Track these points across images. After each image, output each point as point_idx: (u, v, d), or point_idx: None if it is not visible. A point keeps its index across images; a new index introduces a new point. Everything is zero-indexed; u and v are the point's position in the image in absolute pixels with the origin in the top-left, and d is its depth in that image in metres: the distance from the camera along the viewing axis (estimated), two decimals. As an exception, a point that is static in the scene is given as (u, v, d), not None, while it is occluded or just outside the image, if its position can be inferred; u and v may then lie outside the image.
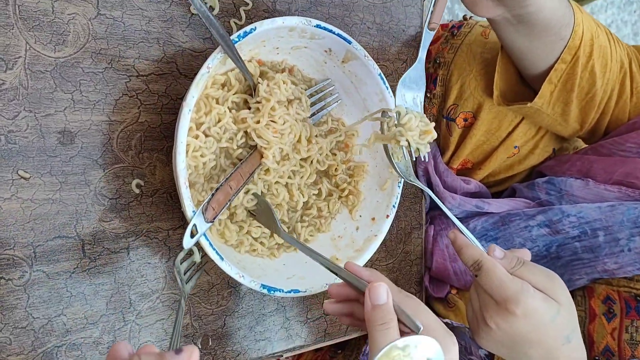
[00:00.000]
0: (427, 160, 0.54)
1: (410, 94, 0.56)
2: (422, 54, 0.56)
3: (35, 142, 0.47)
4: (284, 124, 0.54)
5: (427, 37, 0.56)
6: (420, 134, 0.54)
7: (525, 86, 0.71)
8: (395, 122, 0.54)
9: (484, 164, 0.77)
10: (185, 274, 0.49)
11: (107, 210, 0.51)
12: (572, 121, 0.70)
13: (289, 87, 0.55)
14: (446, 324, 0.70)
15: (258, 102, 0.53)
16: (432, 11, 0.55)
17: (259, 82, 0.53)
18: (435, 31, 0.56)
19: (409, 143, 0.53)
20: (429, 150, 0.55)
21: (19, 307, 0.46)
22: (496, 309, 0.49)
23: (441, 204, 0.58)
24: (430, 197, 0.61)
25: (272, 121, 0.54)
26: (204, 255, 0.49)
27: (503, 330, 0.49)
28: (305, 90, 0.59)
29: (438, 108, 0.78)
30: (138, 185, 0.52)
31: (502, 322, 0.49)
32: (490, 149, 0.76)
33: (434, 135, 0.54)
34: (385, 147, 0.57)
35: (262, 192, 0.55)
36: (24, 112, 0.46)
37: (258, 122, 0.53)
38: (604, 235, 0.66)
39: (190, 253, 0.49)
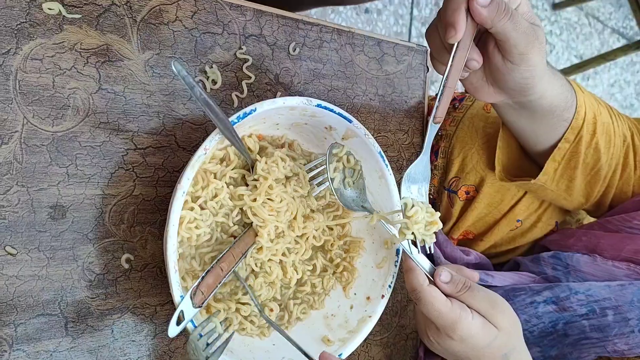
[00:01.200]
0: (432, 251, 0.53)
1: (416, 185, 0.55)
2: (427, 147, 0.55)
3: (25, 217, 0.46)
4: (280, 202, 0.53)
5: (432, 130, 0.55)
6: (425, 224, 0.53)
7: (528, 160, 0.71)
8: (401, 214, 0.54)
9: (486, 236, 0.76)
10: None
11: (94, 286, 0.50)
12: (577, 195, 0.70)
13: (287, 164, 0.54)
14: None
15: (255, 180, 0.53)
16: (437, 106, 0.54)
17: (257, 159, 0.53)
18: (440, 125, 0.55)
19: (414, 235, 0.53)
20: (435, 240, 0.54)
21: (-6, 389, 0.45)
22: (436, 332, 0.54)
23: (406, 245, 0.56)
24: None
25: (269, 199, 0.53)
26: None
27: (443, 347, 0.54)
28: (305, 164, 0.58)
29: (439, 179, 0.77)
30: (128, 260, 0.51)
31: (441, 342, 0.54)
32: (493, 221, 0.75)
33: (440, 225, 0.54)
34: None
35: (253, 269, 0.54)
36: (16, 187, 0.46)
37: (255, 200, 0.52)
38: (614, 315, 0.65)
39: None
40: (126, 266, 0.51)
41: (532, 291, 0.69)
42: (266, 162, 0.53)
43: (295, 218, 0.56)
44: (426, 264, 0.55)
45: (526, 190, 0.72)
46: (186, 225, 0.50)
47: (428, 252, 0.54)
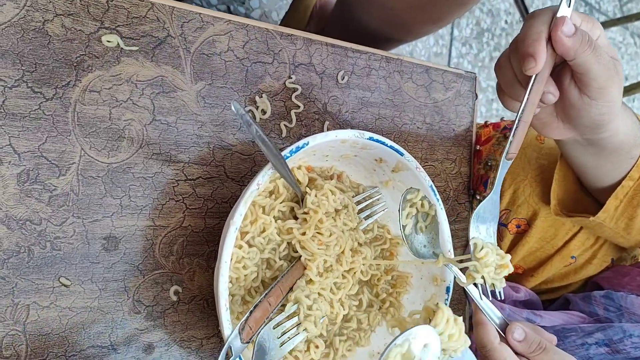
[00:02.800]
0: (502, 297, 0.51)
1: (484, 225, 0.52)
2: (498, 185, 0.52)
3: (79, 249, 0.46)
4: (330, 235, 0.52)
5: (504, 167, 0.52)
6: (495, 267, 0.50)
7: (584, 195, 0.68)
8: (470, 255, 0.50)
9: (537, 272, 0.74)
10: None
11: (143, 319, 0.49)
12: (635, 234, 0.67)
13: (337, 197, 0.54)
14: None
15: (305, 213, 0.52)
16: (511, 141, 0.51)
17: (307, 192, 0.52)
18: (512, 160, 0.52)
19: (484, 279, 0.50)
20: (504, 285, 0.51)
21: (44, 422, 0.45)
22: None
23: (475, 294, 0.54)
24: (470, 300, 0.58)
25: (318, 233, 0.52)
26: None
27: None
28: (353, 197, 0.57)
29: None
30: (176, 292, 0.51)
31: None
32: (545, 256, 0.73)
33: (511, 269, 0.50)
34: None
35: (301, 306, 0.53)
36: (72, 218, 0.46)
37: (304, 233, 0.51)
38: None
39: None
40: (174, 298, 0.51)
41: (583, 332, 0.67)
42: (316, 195, 0.52)
43: (343, 252, 0.54)
44: (496, 315, 0.52)
45: (582, 226, 0.69)
46: (234, 265, 0.49)
47: (498, 297, 0.51)
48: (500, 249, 0.74)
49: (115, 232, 0.48)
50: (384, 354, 0.43)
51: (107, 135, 0.48)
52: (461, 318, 0.49)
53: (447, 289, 0.57)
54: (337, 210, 0.54)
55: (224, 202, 0.54)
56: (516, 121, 0.51)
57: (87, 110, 0.47)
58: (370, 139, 0.52)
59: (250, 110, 0.56)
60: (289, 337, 0.49)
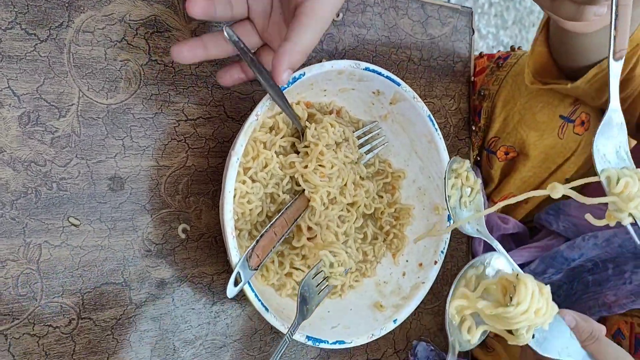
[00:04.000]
0: None
1: (612, 143, 0.42)
2: (614, 91, 0.42)
3: (86, 189, 0.47)
4: (332, 167, 0.53)
5: (615, 70, 0.42)
6: None
7: (556, 69, 0.66)
8: (606, 191, 0.42)
9: (531, 199, 0.74)
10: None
11: (154, 256, 0.50)
12: (604, 97, 0.63)
13: (337, 129, 0.54)
14: None
15: (306, 147, 0.52)
16: (614, 35, 0.41)
17: (306, 126, 0.53)
18: (622, 58, 0.43)
19: (632, 217, 0.41)
20: None
21: (65, 355, 0.46)
22: None
23: (506, 254, 0.50)
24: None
25: (320, 165, 0.52)
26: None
27: None
28: (353, 132, 0.58)
29: (482, 141, 0.76)
30: (184, 230, 0.52)
31: None
32: (539, 182, 0.73)
33: None
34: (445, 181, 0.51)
35: (308, 237, 0.54)
36: (76, 159, 0.47)
37: (306, 166, 0.52)
38: (613, 268, 0.64)
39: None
40: (183, 236, 0.52)
41: (534, 273, 0.69)
42: (316, 129, 0.53)
43: (346, 185, 0.55)
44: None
45: (574, 150, 0.68)
46: (239, 201, 0.50)
47: None
48: (492, 177, 0.74)
49: (120, 172, 0.49)
50: (461, 273, 0.43)
51: (104, 77, 0.48)
52: (548, 287, 0.42)
53: (449, 216, 0.58)
54: (337, 143, 0.55)
55: (226, 141, 0.55)
56: (613, 9, 0.41)
57: (82, 51, 0.47)
58: (367, 69, 0.52)
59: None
60: (324, 286, 0.52)
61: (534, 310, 0.41)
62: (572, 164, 0.69)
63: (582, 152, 0.69)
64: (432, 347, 0.66)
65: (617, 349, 0.48)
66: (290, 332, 0.47)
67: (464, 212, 0.51)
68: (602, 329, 0.50)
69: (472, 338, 0.44)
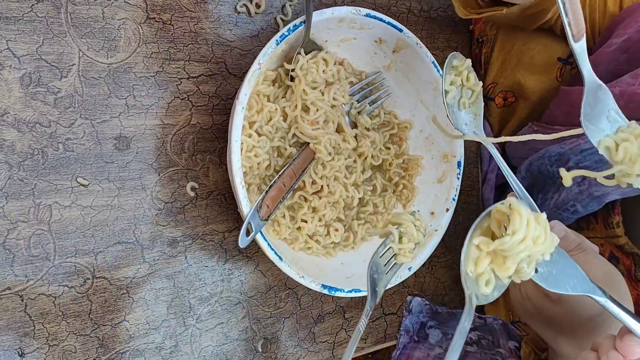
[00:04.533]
0: None
1: (599, 112, 0.41)
2: (586, 67, 0.41)
3: (92, 149, 0.47)
4: (317, 111, 0.52)
5: (581, 51, 0.41)
6: None
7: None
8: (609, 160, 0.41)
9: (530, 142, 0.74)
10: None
11: (164, 214, 0.50)
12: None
13: (330, 68, 0.53)
14: (478, 318, 0.66)
15: (293, 80, 0.52)
16: (568, 22, 0.40)
17: (299, 53, 0.51)
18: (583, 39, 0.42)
19: None
20: None
21: (82, 315, 0.46)
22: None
23: (508, 171, 0.49)
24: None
25: (303, 111, 0.52)
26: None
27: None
28: (357, 83, 0.57)
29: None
30: (193, 188, 0.52)
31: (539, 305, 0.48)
32: None
33: None
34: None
35: (316, 190, 0.54)
36: (80, 120, 0.46)
37: (295, 108, 0.51)
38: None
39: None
40: (192, 194, 0.52)
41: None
42: (307, 61, 0.52)
43: (341, 129, 0.54)
44: (530, 200, 0.47)
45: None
46: (245, 154, 0.50)
47: None
48: (490, 125, 0.72)
49: (125, 131, 0.49)
50: (475, 224, 0.40)
51: (103, 36, 0.47)
52: (544, 214, 0.41)
53: (459, 163, 0.58)
54: (329, 83, 0.54)
55: (229, 98, 0.54)
56: None
57: (79, 10, 0.46)
58: (368, 15, 0.51)
59: (244, 4, 0.55)
60: (391, 266, 0.48)
61: (532, 238, 0.39)
62: None
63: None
64: (427, 302, 0.66)
65: (605, 262, 0.48)
66: (364, 319, 0.44)
67: (462, 113, 0.50)
68: (594, 246, 0.49)
69: (491, 291, 0.42)
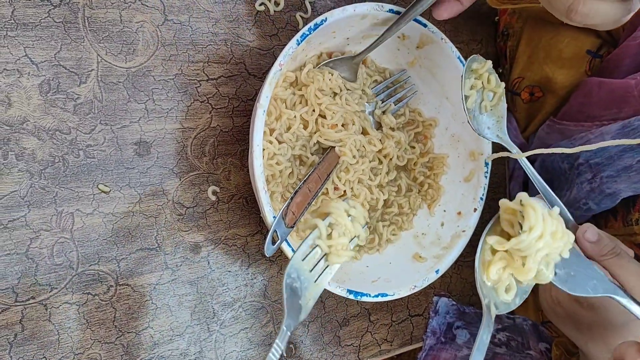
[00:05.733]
0: None
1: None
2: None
3: (112, 155, 0.46)
4: (334, 114, 0.50)
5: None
6: None
7: None
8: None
9: None
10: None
11: (186, 220, 0.50)
12: None
13: (334, 78, 0.51)
14: (507, 318, 0.64)
15: (301, 89, 0.51)
16: None
17: (304, 65, 0.50)
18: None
19: None
20: None
21: (106, 322, 0.46)
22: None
23: (531, 169, 0.49)
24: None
25: (321, 116, 0.51)
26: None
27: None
28: (381, 82, 0.55)
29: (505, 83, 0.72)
30: (214, 192, 0.51)
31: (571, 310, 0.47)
32: None
33: None
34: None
35: (341, 194, 0.53)
36: (100, 126, 0.46)
37: (317, 130, 0.50)
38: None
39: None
40: (213, 198, 0.51)
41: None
42: (310, 70, 0.50)
43: (366, 132, 0.53)
44: (565, 210, 0.47)
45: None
46: (267, 162, 0.49)
47: None
48: (516, 120, 0.70)
49: (145, 136, 0.48)
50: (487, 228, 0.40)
51: (121, 39, 0.47)
52: (556, 208, 0.40)
53: (485, 162, 0.56)
54: (335, 94, 0.52)
55: (249, 99, 0.53)
56: None
57: (97, 14, 0.45)
58: (391, 11, 0.50)
59: (262, 3, 0.53)
60: (322, 271, 0.40)
61: (550, 233, 0.37)
62: None
63: None
64: (454, 302, 0.65)
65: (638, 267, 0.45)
66: (277, 345, 0.37)
67: (484, 116, 0.48)
68: (630, 252, 0.47)
69: (513, 298, 0.40)
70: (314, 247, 0.40)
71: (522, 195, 0.39)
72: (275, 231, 0.44)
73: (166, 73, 0.49)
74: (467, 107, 0.48)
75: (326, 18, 0.46)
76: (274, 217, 0.44)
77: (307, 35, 0.45)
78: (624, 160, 0.53)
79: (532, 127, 0.68)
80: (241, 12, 0.52)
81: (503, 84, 0.50)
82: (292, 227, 0.45)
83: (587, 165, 0.57)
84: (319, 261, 0.40)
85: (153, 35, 0.48)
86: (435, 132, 0.59)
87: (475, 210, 0.56)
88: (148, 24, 0.48)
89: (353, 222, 0.40)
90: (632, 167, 0.53)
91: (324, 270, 0.40)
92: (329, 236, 0.40)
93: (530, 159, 0.65)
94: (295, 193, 0.46)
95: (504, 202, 0.42)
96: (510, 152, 0.49)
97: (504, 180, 0.73)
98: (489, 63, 0.48)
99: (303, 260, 0.39)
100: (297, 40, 0.45)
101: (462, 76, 0.47)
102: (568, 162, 0.60)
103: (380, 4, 0.49)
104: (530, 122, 0.69)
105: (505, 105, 0.50)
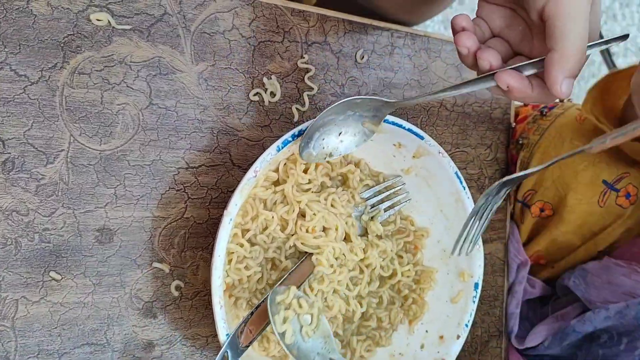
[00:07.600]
0: None
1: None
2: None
3: (70, 241, 0.44)
4: (314, 215, 0.47)
5: None
6: None
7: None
8: None
9: (559, 264, 0.67)
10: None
11: (142, 315, 0.46)
12: None
13: (311, 175, 0.48)
14: None
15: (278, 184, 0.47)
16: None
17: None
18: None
19: None
20: None
21: (35, 423, 0.42)
22: None
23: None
24: None
25: (302, 215, 0.47)
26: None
27: None
28: (373, 187, 0.52)
29: (516, 193, 0.69)
30: (177, 287, 0.48)
31: None
32: (570, 247, 0.65)
33: None
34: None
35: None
36: (62, 209, 0.43)
37: (298, 231, 0.47)
38: (626, 343, 0.57)
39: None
40: (176, 294, 0.48)
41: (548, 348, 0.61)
42: (285, 164, 0.47)
43: (349, 239, 0.49)
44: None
45: (614, 219, 0.61)
46: (235, 266, 0.45)
47: None
48: (520, 232, 0.66)
49: (110, 223, 0.45)
50: None
51: (98, 121, 0.45)
52: None
53: (476, 285, 0.52)
54: (322, 188, 0.49)
55: (230, 191, 0.50)
56: None
57: (76, 94, 0.44)
58: (386, 121, 0.47)
59: (257, 92, 0.51)
60: None
61: None
62: (608, 235, 0.61)
63: (621, 225, 0.61)
64: None
65: None
66: None
67: (309, 342, 0.44)
68: None
69: None
70: None
71: None
72: (226, 352, 0.40)
73: (142, 158, 0.46)
74: (286, 345, 0.42)
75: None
76: (227, 334, 0.41)
77: (289, 142, 0.43)
78: None
79: (535, 244, 0.65)
80: (233, 100, 0.50)
81: (316, 302, 0.46)
82: (248, 346, 0.41)
83: None
84: None
85: (134, 118, 0.46)
86: (427, 243, 0.55)
87: (458, 337, 0.51)
88: (130, 107, 0.46)
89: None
90: None
91: None
92: None
93: (593, 300, 0.62)
94: (256, 308, 0.43)
95: None
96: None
97: (501, 294, 0.68)
98: (292, 289, 0.44)
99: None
100: (278, 146, 0.42)
101: (269, 314, 0.42)
102: None
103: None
104: (532, 237, 0.65)
105: (326, 322, 0.45)
